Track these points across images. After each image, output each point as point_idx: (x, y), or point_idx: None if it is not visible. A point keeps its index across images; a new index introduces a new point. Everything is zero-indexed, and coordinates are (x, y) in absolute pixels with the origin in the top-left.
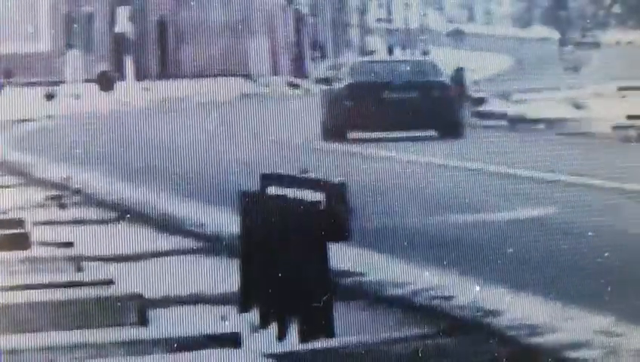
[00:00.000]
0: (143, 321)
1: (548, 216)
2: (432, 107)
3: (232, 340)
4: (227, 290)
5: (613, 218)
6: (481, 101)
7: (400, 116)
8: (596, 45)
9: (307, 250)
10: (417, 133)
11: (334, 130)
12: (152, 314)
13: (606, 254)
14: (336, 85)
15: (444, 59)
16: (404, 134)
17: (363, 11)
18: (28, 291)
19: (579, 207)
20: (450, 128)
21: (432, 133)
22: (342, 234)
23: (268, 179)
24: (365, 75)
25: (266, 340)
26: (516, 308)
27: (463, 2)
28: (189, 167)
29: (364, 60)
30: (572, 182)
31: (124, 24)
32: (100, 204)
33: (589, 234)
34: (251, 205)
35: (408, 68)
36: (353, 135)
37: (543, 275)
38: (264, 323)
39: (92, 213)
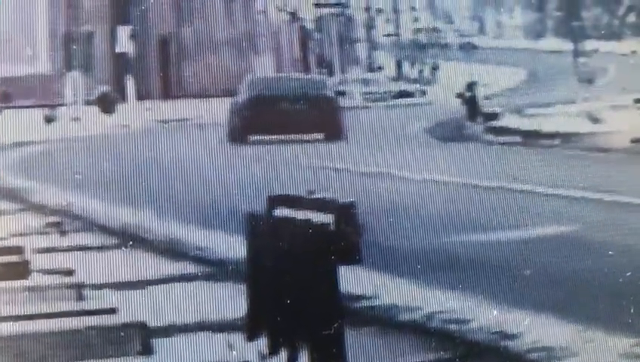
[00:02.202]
0: (148, 351)
1: (566, 234)
2: (318, 115)
3: None
4: (234, 317)
5: (634, 236)
6: (493, 116)
7: (291, 122)
8: (611, 56)
9: (316, 273)
10: (306, 136)
11: (236, 134)
12: (157, 343)
13: (628, 274)
14: (239, 97)
15: (455, 74)
16: (294, 137)
17: (370, 26)
18: (27, 321)
19: (598, 225)
20: (334, 132)
21: (319, 136)
22: (353, 257)
23: (274, 200)
24: (262, 89)
25: None
26: (535, 331)
27: (473, 15)
28: (193, 189)
29: (260, 77)
30: (590, 198)
31: (124, 43)
32: (102, 229)
33: (610, 253)
34: (258, 228)
35: (299, 83)
36: (252, 138)
37: (563, 297)
38: (273, 352)
39: (93, 239)
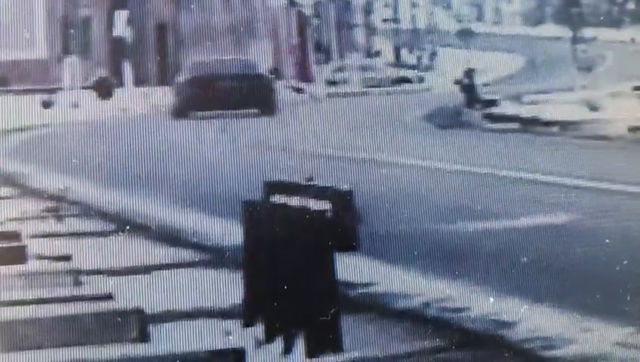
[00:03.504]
0: (144, 337)
1: (563, 223)
2: (252, 92)
3: (236, 355)
4: (231, 304)
5: (631, 224)
6: (492, 103)
7: (229, 99)
8: (610, 43)
9: (313, 260)
10: (242, 111)
11: (179, 111)
12: (154, 329)
13: (624, 262)
14: (180, 78)
15: (454, 60)
16: (232, 112)
17: (368, 11)
18: (24, 306)
19: (595, 213)
20: (267, 107)
21: (254, 110)
22: (349, 244)
23: (272, 187)
24: (202, 70)
25: (272, 355)
26: (531, 320)
27: (471, 1)
28: (190, 176)
29: (200, 59)
30: (588, 186)
31: (122, 28)
32: (99, 215)
33: (606, 241)
34: (255, 214)
35: (235, 64)
36: (193, 114)
37: (559, 285)
38: (269, 338)
39: (90, 225)
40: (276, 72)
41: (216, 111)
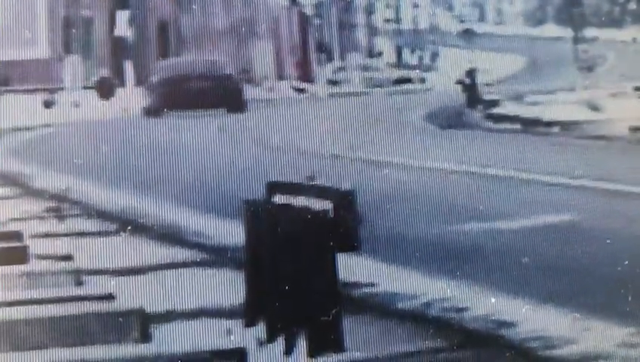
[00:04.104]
0: (146, 337)
1: (564, 223)
2: (221, 92)
3: (237, 355)
4: (232, 303)
5: (632, 224)
6: (493, 103)
7: (199, 99)
8: (611, 43)
9: (315, 260)
10: (212, 110)
11: (151, 110)
12: (155, 329)
13: (626, 262)
14: (152, 78)
15: (455, 60)
16: (202, 111)
17: (370, 12)
18: (26, 306)
19: (596, 213)
20: (235, 106)
21: (223, 109)
22: (351, 244)
23: (273, 187)
24: (173, 71)
25: (273, 355)
26: (533, 320)
27: (473, 1)
28: (191, 175)
29: (170, 61)
30: (588, 186)
31: (123, 28)
32: (100, 215)
33: (608, 241)
34: (256, 214)
35: (204, 65)
36: (165, 113)
37: (560, 285)
38: (271, 338)
39: (92, 224)
40: (246, 72)
41: (186, 110)
